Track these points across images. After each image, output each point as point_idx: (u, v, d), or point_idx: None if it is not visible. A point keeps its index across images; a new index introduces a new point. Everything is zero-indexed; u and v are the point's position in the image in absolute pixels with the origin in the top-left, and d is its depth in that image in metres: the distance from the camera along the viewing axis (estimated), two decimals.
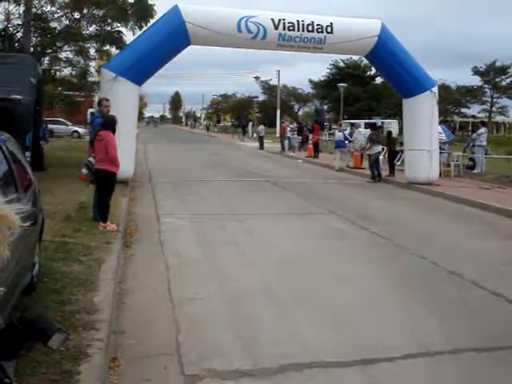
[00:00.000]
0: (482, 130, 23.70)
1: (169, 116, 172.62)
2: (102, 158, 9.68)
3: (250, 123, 61.92)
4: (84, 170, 10.19)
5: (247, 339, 5.46)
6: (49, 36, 21.80)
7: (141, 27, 21.31)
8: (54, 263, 6.99)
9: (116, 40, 21.86)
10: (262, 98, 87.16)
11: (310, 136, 32.77)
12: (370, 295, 7.03)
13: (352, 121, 41.35)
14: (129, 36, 21.87)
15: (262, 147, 39.19)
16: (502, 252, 9.77)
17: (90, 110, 30.27)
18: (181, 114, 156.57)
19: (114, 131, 9.88)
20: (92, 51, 23.33)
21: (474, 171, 22.26)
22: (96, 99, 25.85)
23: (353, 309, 6.48)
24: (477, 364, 5.09)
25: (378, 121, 37.02)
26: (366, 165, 22.42)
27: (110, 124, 9.94)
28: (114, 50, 22.54)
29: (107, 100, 11.71)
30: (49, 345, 2.20)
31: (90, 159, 10.10)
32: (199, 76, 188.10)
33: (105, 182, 9.87)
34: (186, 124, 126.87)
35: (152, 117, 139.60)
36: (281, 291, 7.09)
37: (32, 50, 20.57)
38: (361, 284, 7.53)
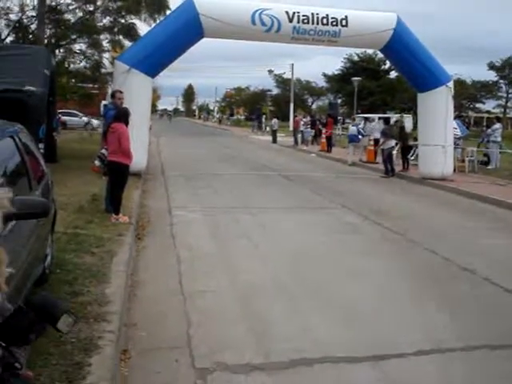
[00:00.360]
0: (497, 125, 23.51)
1: (182, 109, 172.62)
2: (114, 150, 9.69)
3: (263, 117, 61.79)
4: (97, 162, 10.21)
5: (258, 333, 5.45)
6: (63, 28, 21.87)
7: (155, 19, 21.35)
8: (66, 255, 7.01)
9: (130, 32, 21.90)
10: (275, 91, 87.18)
11: (324, 130, 32.67)
12: (381, 290, 7.00)
13: (366, 115, 41.22)
14: (143, 28, 21.92)
15: (274, 141, 39.15)
16: None
17: (104, 102, 30.35)
18: (194, 107, 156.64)
19: (126, 123, 9.87)
20: (105, 43, 23.38)
21: (489, 167, 22.10)
22: (109, 91, 25.92)
23: (364, 304, 6.44)
24: (488, 361, 5.05)
25: (393, 115, 36.76)
26: (380, 160, 22.33)
27: (122, 116, 9.94)
28: (127, 43, 22.59)
29: (121, 92, 11.70)
30: (58, 327, 2.18)
31: (103, 151, 10.11)
32: (212, 69, 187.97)
33: (117, 174, 9.88)
34: (199, 117, 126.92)
35: (165, 110, 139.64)
36: (293, 285, 7.07)
37: (46, 41, 20.64)
38: (373, 279, 7.49)
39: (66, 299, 5.37)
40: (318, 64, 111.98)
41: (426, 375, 4.73)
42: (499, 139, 23.12)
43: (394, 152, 21.32)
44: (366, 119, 33.58)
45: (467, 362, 5.02)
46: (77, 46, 23.43)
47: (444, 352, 5.17)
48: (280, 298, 6.57)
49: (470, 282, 7.56)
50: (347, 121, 48.15)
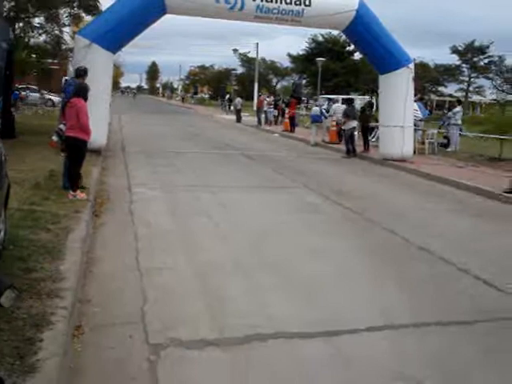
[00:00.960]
0: (458, 108, 23.81)
1: (146, 86, 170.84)
2: (72, 125, 9.54)
3: (227, 96, 61.49)
4: (54, 138, 10.05)
5: (214, 310, 5.46)
6: (22, 1, 21.31)
7: None
8: (21, 231, 6.88)
9: (90, 7, 21.47)
10: (240, 70, 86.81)
11: (287, 110, 32.68)
12: (339, 269, 7.07)
13: (330, 96, 41.30)
14: (104, 3, 21.48)
15: (239, 120, 39.04)
16: (471, 229, 9.89)
17: (65, 78, 29.82)
18: (158, 85, 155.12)
19: (85, 99, 9.72)
20: (65, 17, 22.88)
21: (448, 149, 22.42)
22: (70, 67, 25.44)
23: (322, 282, 6.50)
24: (440, 337, 5.14)
25: (357, 97, 36.93)
26: (342, 140, 22.47)
27: (81, 91, 9.78)
28: (89, 18, 22.15)
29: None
30: (0, 301, 2.14)
31: (61, 126, 9.96)
32: (177, 46, 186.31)
33: (75, 150, 9.74)
34: (163, 95, 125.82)
35: (128, 87, 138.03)
36: (252, 263, 7.08)
37: (4, 14, 20.11)
38: (332, 258, 7.56)
39: (17, 275, 5.30)
40: (283, 44, 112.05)
41: (378, 350, 4.80)
42: (459, 122, 23.43)
43: (356, 133, 21.45)
44: (330, 100, 33.66)
45: (418, 337, 5.11)
46: (36, 20, 22.90)
47: (397, 328, 5.26)
48: (238, 275, 6.58)
49: (426, 261, 7.67)
50: (311, 101, 48.22)
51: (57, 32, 22.99)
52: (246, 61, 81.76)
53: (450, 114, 24.35)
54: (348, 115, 20.70)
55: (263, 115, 35.46)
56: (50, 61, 26.12)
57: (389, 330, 5.21)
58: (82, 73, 11.27)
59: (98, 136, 12.31)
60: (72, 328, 4.69)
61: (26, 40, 23.17)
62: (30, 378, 3.64)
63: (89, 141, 9.93)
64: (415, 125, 20.10)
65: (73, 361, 4.29)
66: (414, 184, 15.04)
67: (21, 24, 22.58)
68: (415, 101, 21.24)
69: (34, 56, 24.51)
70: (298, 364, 4.48)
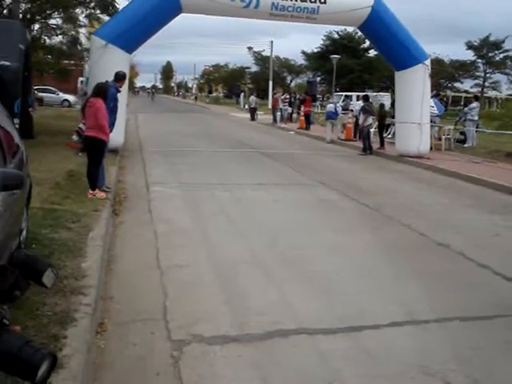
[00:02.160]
0: (474, 104, 23.64)
1: (160, 86, 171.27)
2: (91, 125, 9.62)
3: (242, 94, 61.55)
4: (74, 137, 10.16)
5: (235, 306, 5.49)
6: (38, 2, 21.49)
7: None
8: (42, 229, 6.96)
9: (107, 7, 21.58)
10: (254, 68, 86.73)
11: (302, 108, 32.66)
12: (358, 265, 7.07)
13: (346, 93, 41.24)
14: (120, 3, 21.63)
15: (253, 118, 39.06)
16: (489, 225, 9.82)
17: (80, 79, 30.05)
18: (172, 84, 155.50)
19: (105, 99, 9.79)
20: (82, 18, 23.05)
21: (465, 145, 22.27)
22: (86, 67, 25.62)
23: (341, 278, 6.51)
24: (461, 332, 5.14)
25: (372, 93, 36.87)
26: (358, 137, 22.43)
27: (100, 91, 9.85)
28: (105, 18, 22.27)
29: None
30: (43, 280, 2.17)
31: (81, 126, 10.06)
32: (191, 46, 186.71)
33: (94, 150, 9.81)
34: (178, 94, 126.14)
35: (143, 87, 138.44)
36: (271, 260, 7.10)
37: (21, 16, 20.29)
38: (351, 254, 7.56)
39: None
40: (297, 42, 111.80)
41: (401, 345, 4.80)
42: (476, 118, 23.28)
43: (372, 130, 21.39)
44: (347, 97, 33.65)
45: (440, 333, 5.10)
46: (53, 21, 23.07)
47: (418, 323, 5.26)
48: (258, 271, 6.61)
49: (445, 256, 7.66)
50: (325, 99, 48.13)
51: (73, 33, 23.17)
52: (260, 59, 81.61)
53: (466, 109, 24.19)
54: (367, 111, 20.63)
55: (278, 113, 35.45)
56: (66, 61, 26.29)
57: (411, 325, 5.21)
58: (120, 77, 11.39)
59: (115, 135, 12.33)
60: (95, 325, 4.74)
61: (43, 41, 23.37)
62: (55, 375, 3.66)
63: (107, 141, 9.99)
64: (431, 121, 20.02)
65: (97, 357, 4.34)
66: (431, 180, 14.98)
67: (37, 25, 22.79)
68: (431, 97, 21.14)
69: (49, 57, 24.69)
70: (321, 360, 4.49)
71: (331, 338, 4.89)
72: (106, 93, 9.86)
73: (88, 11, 22.38)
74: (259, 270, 6.66)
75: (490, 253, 7.82)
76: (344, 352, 4.63)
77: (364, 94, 29.22)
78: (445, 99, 50.58)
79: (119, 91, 10.91)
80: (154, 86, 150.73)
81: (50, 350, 2.19)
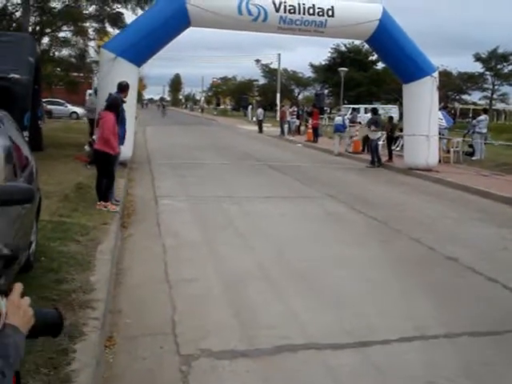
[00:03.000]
0: (483, 117, 23.59)
1: (168, 98, 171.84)
2: (98, 138, 9.71)
3: (249, 107, 61.70)
4: (86, 147, 10.30)
5: (243, 320, 5.48)
6: (48, 15, 21.67)
7: (142, 8, 21.22)
8: (51, 242, 6.99)
9: (116, 21, 21.75)
10: (262, 81, 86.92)
11: (310, 120, 32.69)
12: (366, 278, 7.05)
13: (353, 106, 41.29)
14: (129, 16, 21.79)
15: (260, 131, 39.15)
16: (497, 238, 9.78)
17: (89, 92, 30.20)
18: (180, 97, 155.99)
19: (117, 112, 9.86)
20: (91, 31, 23.21)
21: (474, 158, 22.20)
22: (95, 80, 25.77)
23: (349, 291, 6.50)
24: (471, 348, 5.11)
25: (379, 106, 36.94)
26: (366, 150, 22.42)
27: (112, 105, 9.90)
28: (113, 31, 22.44)
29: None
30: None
31: (94, 137, 10.18)
32: (199, 58, 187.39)
33: (101, 163, 9.87)
34: (186, 107, 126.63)
35: (151, 99, 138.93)
36: (279, 273, 7.10)
37: (31, 29, 20.46)
38: (359, 267, 7.54)
39: (48, 287, 5.38)
40: (304, 55, 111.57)
41: (410, 361, 4.78)
42: (484, 130, 23.21)
43: (380, 142, 21.39)
44: (354, 109, 33.67)
45: (449, 348, 5.07)
46: (62, 34, 23.25)
47: (428, 339, 5.23)
48: (266, 285, 6.60)
49: (454, 271, 7.63)
50: (334, 111, 48.21)
51: (82, 46, 23.33)
52: (268, 71, 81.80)
53: (474, 122, 24.15)
54: (376, 124, 20.65)
55: (286, 125, 35.50)
56: (75, 74, 26.44)
57: (420, 340, 5.18)
58: (124, 88, 11.44)
59: (123, 148, 12.39)
60: (104, 339, 4.74)
61: (52, 54, 23.53)
62: None
63: (115, 154, 10.00)
64: (440, 133, 19.99)
65: (106, 371, 4.34)
66: (439, 193, 14.94)
67: (46, 38, 22.96)
68: (439, 109, 21.13)
69: (58, 69, 24.86)
70: (330, 375, 4.48)
71: (340, 353, 4.88)
72: (117, 107, 9.93)
73: (98, 24, 22.56)
74: (267, 284, 6.65)
75: (499, 267, 7.78)
76: (353, 367, 4.61)
77: (372, 106, 29.24)
78: (453, 111, 50.54)
79: (124, 101, 10.92)
80: (162, 99, 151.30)
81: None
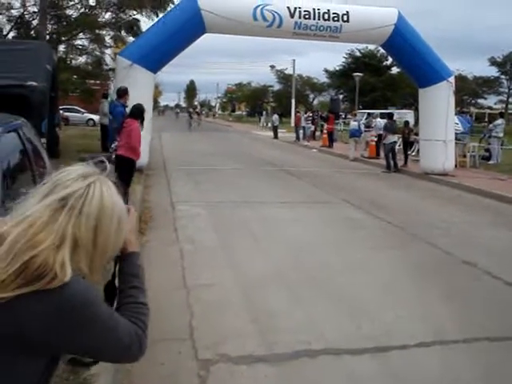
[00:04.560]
0: (499, 121, 23.47)
1: (183, 105, 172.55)
2: (123, 145, 9.87)
3: (264, 113, 61.80)
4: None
5: (261, 325, 5.48)
6: (64, 23, 21.89)
7: (157, 15, 21.37)
8: None
9: (132, 28, 21.92)
10: (277, 87, 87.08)
11: (325, 126, 32.69)
12: (383, 283, 7.03)
13: (369, 111, 41.19)
14: (145, 24, 21.96)
15: (276, 136, 39.21)
16: None
17: (102, 100, 30.37)
18: (195, 103, 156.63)
19: (142, 120, 10.07)
20: (107, 39, 23.42)
21: (490, 162, 22.10)
22: (112, 87, 25.94)
23: (367, 296, 6.48)
24: (490, 353, 5.08)
25: (395, 111, 36.82)
26: (382, 155, 22.38)
27: (137, 112, 10.12)
28: (130, 39, 22.61)
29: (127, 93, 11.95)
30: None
31: (113, 145, 10.37)
32: (214, 65, 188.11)
33: (124, 169, 9.95)
34: (201, 112, 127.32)
35: (167, 105, 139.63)
36: (296, 278, 7.09)
37: (48, 37, 20.66)
38: (375, 272, 7.52)
39: None
40: (318, 60, 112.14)
41: (427, 366, 4.76)
42: (501, 135, 23.09)
43: (397, 147, 21.31)
44: (369, 114, 33.61)
45: (469, 353, 5.04)
46: (79, 42, 23.48)
47: (447, 344, 5.21)
48: (283, 290, 6.60)
49: (471, 275, 7.59)
50: (349, 116, 48.11)
51: (98, 53, 23.54)
52: (283, 77, 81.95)
53: (491, 126, 24.02)
54: (388, 129, 20.62)
55: (301, 131, 35.51)
56: (91, 81, 26.67)
57: (439, 345, 5.15)
58: (121, 93, 11.55)
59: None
60: None
61: (68, 61, 23.75)
62: None
63: (137, 161, 10.21)
64: (456, 138, 19.90)
65: (124, 377, 4.35)
66: (455, 197, 14.87)
67: (63, 46, 23.18)
68: (456, 114, 21.05)
69: (75, 77, 25.07)
70: (349, 381, 4.47)
71: (359, 358, 4.86)
72: (142, 114, 10.10)
73: (114, 32, 22.74)
74: (285, 289, 6.65)
75: None
76: (371, 373, 4.60)
77: (388, 111, 29.17)
78: (468, 115, 50.24)
79: (126, 106, 11.06)
80: (177, 105, 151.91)
81: None
